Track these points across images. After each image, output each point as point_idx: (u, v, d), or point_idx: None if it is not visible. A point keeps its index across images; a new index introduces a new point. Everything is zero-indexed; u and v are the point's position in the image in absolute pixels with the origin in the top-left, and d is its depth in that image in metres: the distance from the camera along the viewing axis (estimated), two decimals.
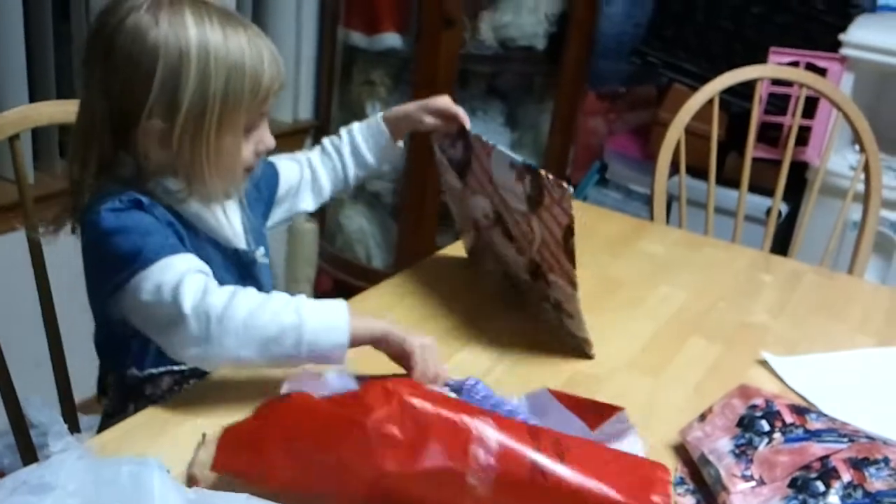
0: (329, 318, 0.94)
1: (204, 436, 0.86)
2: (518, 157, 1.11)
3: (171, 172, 1.02)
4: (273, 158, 1.26)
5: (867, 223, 1.79)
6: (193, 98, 0.96)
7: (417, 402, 0.74)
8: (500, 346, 1.16)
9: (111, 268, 0.95)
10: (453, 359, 1.11)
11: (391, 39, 2.49)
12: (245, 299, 0.93)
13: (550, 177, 1.04)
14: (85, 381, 1.42)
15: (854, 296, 1.48)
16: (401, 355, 0.97)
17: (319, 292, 2.66)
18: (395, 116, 1.30)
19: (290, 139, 2.59)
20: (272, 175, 1.24)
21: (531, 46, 2.55)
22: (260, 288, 0.97)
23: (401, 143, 1.32)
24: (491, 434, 0.73)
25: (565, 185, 1.02)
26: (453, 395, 0.92)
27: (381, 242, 2.69)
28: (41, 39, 1.92)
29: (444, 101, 1.27)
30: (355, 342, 0.95)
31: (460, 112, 1.27)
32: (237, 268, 1.11)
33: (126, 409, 1.07)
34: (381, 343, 0.97)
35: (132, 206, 0.98)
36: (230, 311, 0.91)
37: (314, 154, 1.31)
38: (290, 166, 1.28)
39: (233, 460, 0.77)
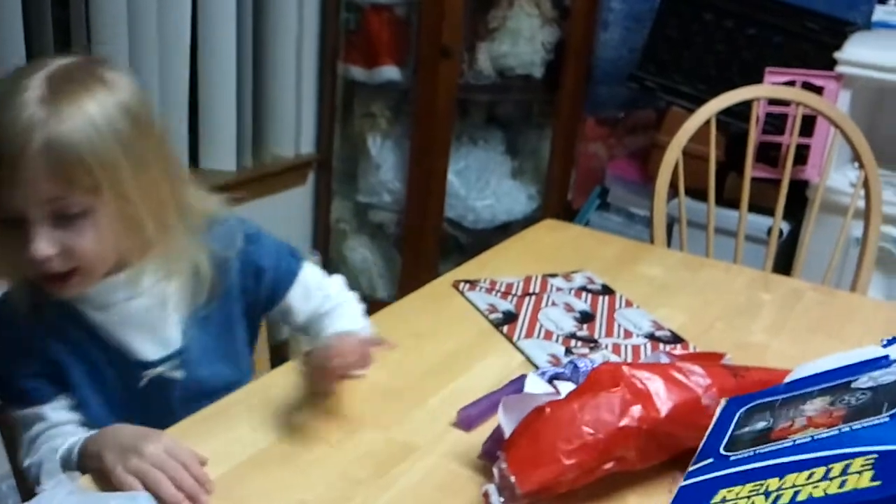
0: None
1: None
2: None
3: None
4: (304, 278, 1.15)
5: (869, 239, 1.78)
6: None
7: (636, 371, 0.94)
8: (499, 370, 1.16)
9: None
10: (455, 382, 1.12)
11: (390, 72, 2.52)
12: None
13: None
14: None
15: (854, 312, 1.47)
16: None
17: None
18: None
19: (294, 173, 2.61)
20: (285, 283, 1.13)
21: (529, 75, 2.58)
22: (166, 401, 0.99)
23: None
24: (697, 369, 0.97)
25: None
26: (567, 383, 1.01)
27: (385, 273, 2.70)
28: None
29: None
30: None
31: None
32: (131, 379, 1.03)
33: None
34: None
35: None
36: None
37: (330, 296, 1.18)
38: (303, 295, 1.15)
39: (535, 479, 0.88)
